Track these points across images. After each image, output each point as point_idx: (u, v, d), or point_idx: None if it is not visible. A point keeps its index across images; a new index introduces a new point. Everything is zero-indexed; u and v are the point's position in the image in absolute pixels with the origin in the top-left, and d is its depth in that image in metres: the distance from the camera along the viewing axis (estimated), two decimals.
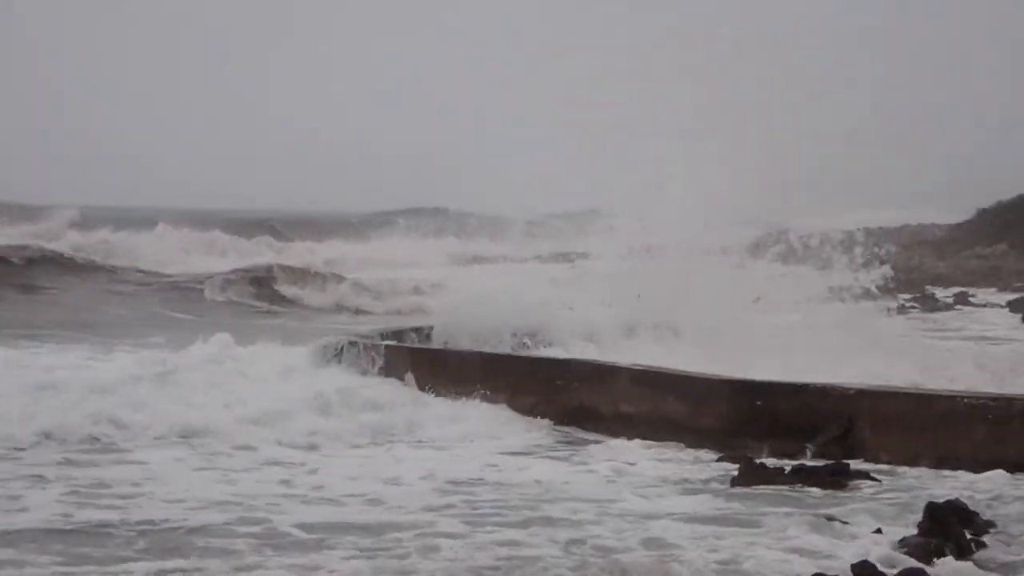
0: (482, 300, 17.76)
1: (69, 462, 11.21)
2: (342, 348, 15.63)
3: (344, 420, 13.19)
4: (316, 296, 31.55)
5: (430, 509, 9.83)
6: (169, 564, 8.13)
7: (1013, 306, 29.48)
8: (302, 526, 9.15)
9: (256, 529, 9.08)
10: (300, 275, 33.35)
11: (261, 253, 44.47)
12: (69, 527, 9.04)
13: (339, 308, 30.56)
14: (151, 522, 9.17)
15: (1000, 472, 11.04)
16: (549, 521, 9.43)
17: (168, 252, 41.64)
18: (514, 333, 17.02)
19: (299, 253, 46.04)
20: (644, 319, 18.31)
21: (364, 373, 15.14)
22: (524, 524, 9.32)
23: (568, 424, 13.64)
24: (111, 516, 9.34)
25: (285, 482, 10.81)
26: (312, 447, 12.35)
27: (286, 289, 32.13)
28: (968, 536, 8.73)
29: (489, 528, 9.18)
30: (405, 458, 12.02)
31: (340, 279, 33.42)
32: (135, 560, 8.24)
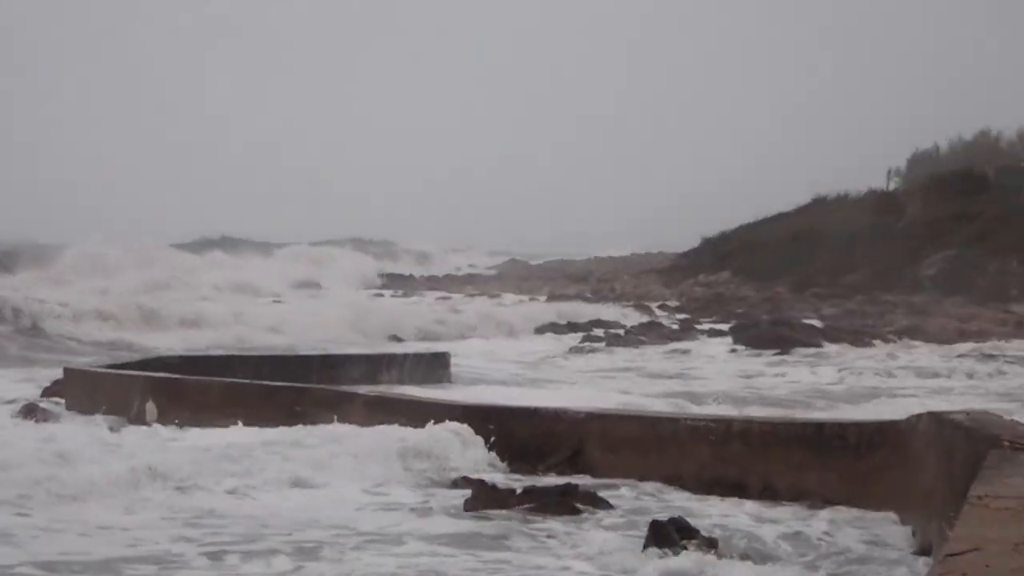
0: None
1: None
2: (83, 379, 15.36)
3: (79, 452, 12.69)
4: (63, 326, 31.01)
5: (174, 540, 9.62)
6: None
7: (734, 334, 30.60)
8: (33, 563, 8.85)
9: None
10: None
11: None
12: None
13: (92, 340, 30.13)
14: None
15: (722, 490, 11.57)
16: (288, 546, 9.39)
17: None
18: None
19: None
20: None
21: (104, 407, 14.90)
22: (271, 554, 9.17)
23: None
24: None
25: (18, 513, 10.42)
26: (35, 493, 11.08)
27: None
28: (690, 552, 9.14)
29: (234, 562, 9.00)
30: (140, 487, 11.60)
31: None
32: None
